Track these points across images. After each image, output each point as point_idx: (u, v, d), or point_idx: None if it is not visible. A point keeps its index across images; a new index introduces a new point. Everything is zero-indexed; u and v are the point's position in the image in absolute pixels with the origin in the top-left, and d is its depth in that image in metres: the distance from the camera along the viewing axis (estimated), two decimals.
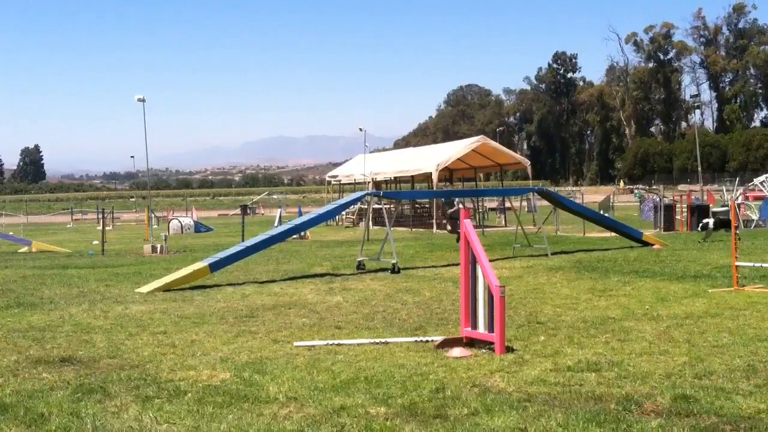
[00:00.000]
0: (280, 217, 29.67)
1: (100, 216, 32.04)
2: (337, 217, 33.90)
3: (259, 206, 68.80)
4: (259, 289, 11.64)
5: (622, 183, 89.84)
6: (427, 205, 33.56)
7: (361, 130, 36.88)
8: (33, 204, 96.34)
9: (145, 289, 11.74)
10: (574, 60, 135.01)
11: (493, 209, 38.50)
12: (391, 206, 27.40)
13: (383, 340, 7.41)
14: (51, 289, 12.22)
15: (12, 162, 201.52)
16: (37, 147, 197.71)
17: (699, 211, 24.26)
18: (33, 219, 60.94)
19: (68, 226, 49.37)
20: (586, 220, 20.03)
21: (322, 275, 13.42)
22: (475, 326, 7.14)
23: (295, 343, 7.42)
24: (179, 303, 10.36)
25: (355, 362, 6.58)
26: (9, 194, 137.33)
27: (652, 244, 17.53)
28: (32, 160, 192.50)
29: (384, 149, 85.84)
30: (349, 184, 39.62)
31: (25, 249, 23.88)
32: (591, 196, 57.05)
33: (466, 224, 7.39)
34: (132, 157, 67.81)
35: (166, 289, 11.72)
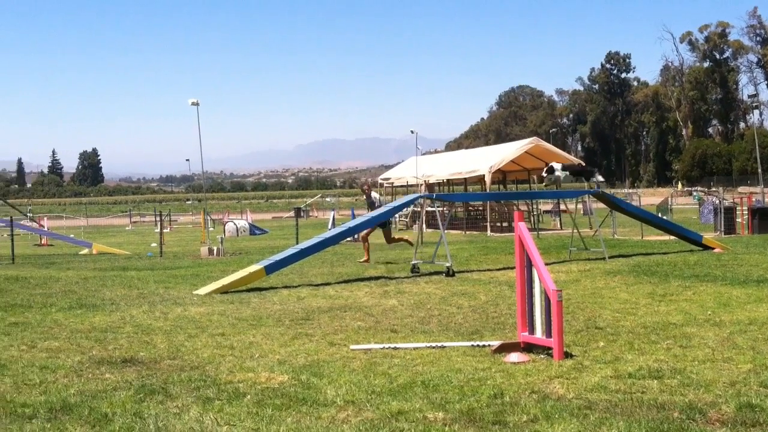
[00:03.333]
0: (333, 219, 29.84)
1: (158, 218, 32.64)
2: (390, 219, 33.88)
3: (313, 209, 69.28)
4: (314, 292, 11.71)
5: (680, 185, 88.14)
6: (480, 208, 33.36)
7: (412, 132, 36.87)
8: (92, 207, 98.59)
9: (202, 291, 11.91)
10: (627, 60, 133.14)
11: (547, 212, 38.13)
12: (444, 209, 27.32)
13: (439, 344, 7.39)
14: (112, 290, 12.47)
15: (71, 165, 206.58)
16: (95, 151, 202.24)
17: (760, 214, 23.69)
18: (93, 221, 62.27)
19: (127, 228, 50.34)
20: (643, 222, 19.69)
21: (376, 278, 13.44)
22: (532, 331, 7.07)
23: (352, 347, 7.45)
24: (236, 305, 10.48)
25: (412, 366, 6.57)
26: (69, 197, 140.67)
27: (713, 248, 17.16)
28: (91, 164, 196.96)
29: (436, 151, 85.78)
30: (401, 186, 39.64)
31: (86, 251, 24.45)
32: (648, 198, 56.15)
33: (521, 227, 7.33)
34: (187, 160, 69.05)
35: (223, 291, 11.87)
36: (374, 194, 17.84)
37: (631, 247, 18.78)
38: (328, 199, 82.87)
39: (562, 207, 32.70)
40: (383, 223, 16.46)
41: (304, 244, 14.33)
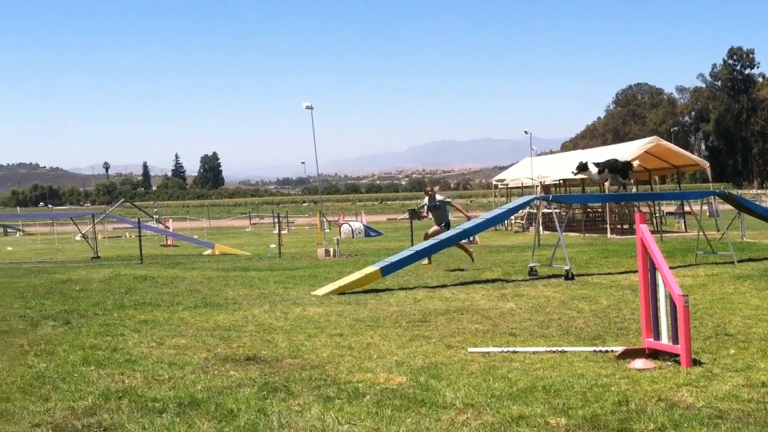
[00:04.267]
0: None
1: (276, 220, 33.44)
2: (505, 221, 33.55)
3: (426, 210, 69.15)
4: (430, 294, 11.70)
5: None
6: (599, 210, 32.54)
7: (526, 132, 36.34)
8: (214, 209, 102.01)
9: (320, 291, 12.11)
10: (751, 55, 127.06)
11: (670, 213, 36.81)
12: (562, 210, 26.80)
13: (560, 349, 7.24)
14: (234, 290, 12.84)
15: (193, 169, 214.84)
16: (215, 154, 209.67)
17: None
18: (214, 223, 64.39)
19: (247, 229, 51.77)
20: None
21: (493, 281, 13.31)
22: (657, 337, 6.83)
23: (470, 349, 7.39)
24: (353, 306, 10.60)
25: (532, 370, 6.46)
26: (191, 199, 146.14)
27: None
28: (211, 167, 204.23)
29: (551, 152, 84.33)
30: (516, 188, 39.18)
31: (208, 252, 25.32)
32: None
33: (643, 229, 7.09)
34: (303, 163, 70.34)
35: (341, 292, 12.02)
36: (438, 197, 17.32)
37: (761, 250, 17.88)
38: None
39: (686, 208, 31.49)
40: (446, 225, 16.45)
41: (420, 245, 14.35)
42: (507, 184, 39.85)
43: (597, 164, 16.89)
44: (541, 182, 33.58)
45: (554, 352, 7.14)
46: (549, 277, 13.62)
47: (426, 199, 17.57)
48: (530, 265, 14.28)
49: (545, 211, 23.96)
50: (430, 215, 18.07)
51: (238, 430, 5.01)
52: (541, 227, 21.74)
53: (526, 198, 16.91)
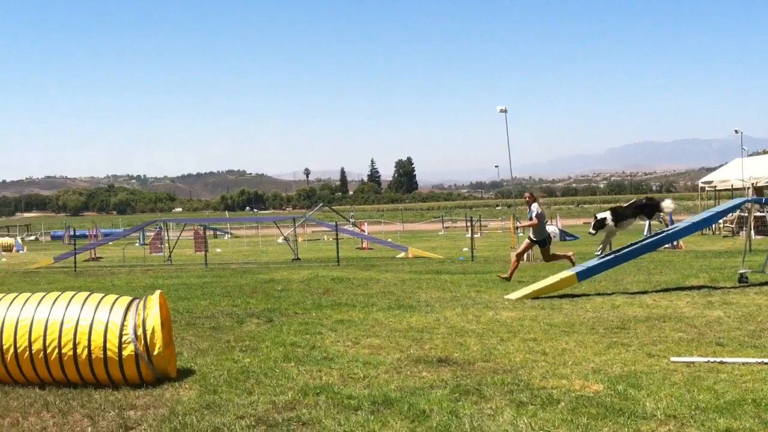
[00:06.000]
0: (649, 225, 28.50)
1: (469, 224, 33.49)
2: (713, 225, 31.70)
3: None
4: (629, 300, 11.23)
5: None
6: None
7: (737, 131, 34.36)
8: (407, 213, 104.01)
9: (513, 295, 11.96)
10: None
11: None
12: None
13: None
14: (427, 292, 12.97)
15: (388, 174, 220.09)
16: (409, 159, 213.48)
17: None
18: (408, 226, 65.57)
19: (439, 233, 52.32)
20: None
21: (698, 287, 12.56)
22: None
23: (672, 359, 7.00)
24: (548, 311, 10.37)
25: (741, 382, 6.01)
26: (386, 203, 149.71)
27: None
28: (405, 172, 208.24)
29: (765, 152, 78.68)
30: (725, 190, 36.93)
31: (402, 255, 25.76)
32: None
33: None
34: (496, 166, 70.31)
35: (534, 296, 11.81)
36: (534, 206, 15.06)
37: None
38: None
39: None
40: (542, 241, 14.84)
41: (619, 250, 13.81)
42: (715, 186, 37.62)
43: (616, 214, 14.05)
44: (753, 184, 31.45)
45: (766, 363, 6.60)
46: (762, 284, 12.66)
47: (535, 206, 15.23)
48: (740, 271, 13.34)
49: (758, 214, 22.37)
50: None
51: (430, 431, 5.02)
52: (752, 231, 20.32)
53: (736, 200, 15.85)
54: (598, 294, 12.05)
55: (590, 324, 9.16)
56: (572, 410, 5.33)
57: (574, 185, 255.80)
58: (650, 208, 14.00)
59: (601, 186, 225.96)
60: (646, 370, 6.55)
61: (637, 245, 13.63)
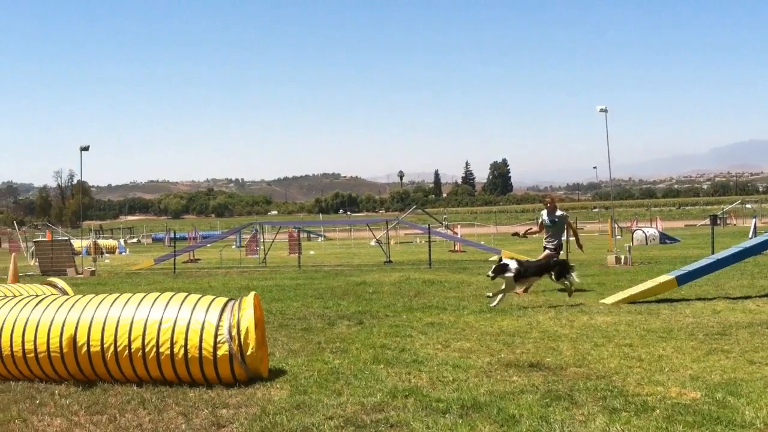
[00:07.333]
0: (755, 227, 27.49)
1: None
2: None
3: (731, 216, 64.71)
4: (731, 305, 10.81)
5: None
6: None
7: None
8: (501, 215, 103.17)
9: (609, 300, 11.69)
10: None
11: None
12: None
13: None
14: (520, 296, 12.80)
15: (482, 175, 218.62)
16: (504, 161, 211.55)
17: None
18: (502, 229, 64.98)
19: (535, 235, 51.60)
20: None
21: None
22: None
23: None
24: (645, 316, 10.09)
25: None
26: (480, 206, 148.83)
27: None
28: (500, 173, 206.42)
29: None
30: None
31: (495, 257, 25.54)
32: None
33: None
34: (594, 167, 69.00)
35: (631, 301, 11.52)
36: (558, 212, 14.28)
37: None
38: (748, 206, 76.63)
39: None
40: (559, 249, 13.93)
41: (721, 254, 13.31)
42: None
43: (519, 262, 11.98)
44: None
45: None
46: None
47: (544, 213, 14.68)
48: None
49: None
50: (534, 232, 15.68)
51: None
52: None
53: None
54: (699, 299, 11.66)
55: (689, 330, 8.86)
56: (667, 418, 5.17)
57: (676, 186, 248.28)
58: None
59: (705, 187, 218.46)
60: (746, 378, 6.30)
61: (740, 248, 13.11)
